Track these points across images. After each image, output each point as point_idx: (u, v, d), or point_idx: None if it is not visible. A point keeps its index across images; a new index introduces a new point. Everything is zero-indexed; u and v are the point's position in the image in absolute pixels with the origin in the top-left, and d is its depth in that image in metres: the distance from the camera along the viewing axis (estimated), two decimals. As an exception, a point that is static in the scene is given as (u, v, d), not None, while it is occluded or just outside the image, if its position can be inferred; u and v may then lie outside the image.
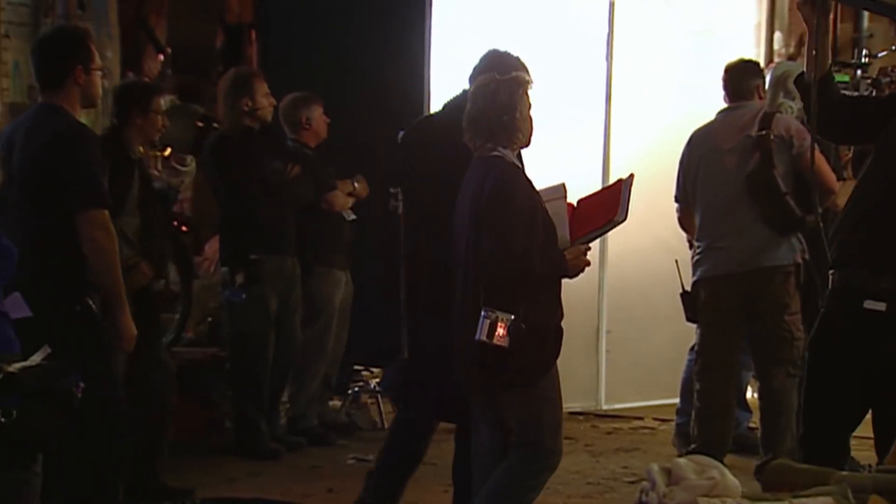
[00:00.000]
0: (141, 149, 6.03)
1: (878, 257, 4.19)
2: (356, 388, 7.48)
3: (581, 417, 7.71)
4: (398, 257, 7.28)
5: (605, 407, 7.89)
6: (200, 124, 7.62)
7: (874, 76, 7.20)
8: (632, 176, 4.61)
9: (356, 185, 7.01)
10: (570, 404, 7.74)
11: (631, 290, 7.87)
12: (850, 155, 6.45)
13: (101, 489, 4.71)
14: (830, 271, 4.40)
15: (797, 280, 5.99)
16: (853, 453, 4.48)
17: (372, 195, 7.10)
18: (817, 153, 5.31)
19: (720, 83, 6.26)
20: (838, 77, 7.02)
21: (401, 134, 6.89)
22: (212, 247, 7.76)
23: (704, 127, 6.28)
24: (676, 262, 6.19)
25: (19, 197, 4.61)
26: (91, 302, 4.57)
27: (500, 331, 4.17)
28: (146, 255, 5.47)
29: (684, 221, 6.36)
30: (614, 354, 7.89)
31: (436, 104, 7.05)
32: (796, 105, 6.23)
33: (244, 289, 6.47)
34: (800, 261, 5.98)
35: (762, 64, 7.06)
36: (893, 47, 7.46)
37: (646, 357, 7.87)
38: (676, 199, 6.36)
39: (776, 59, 8.09)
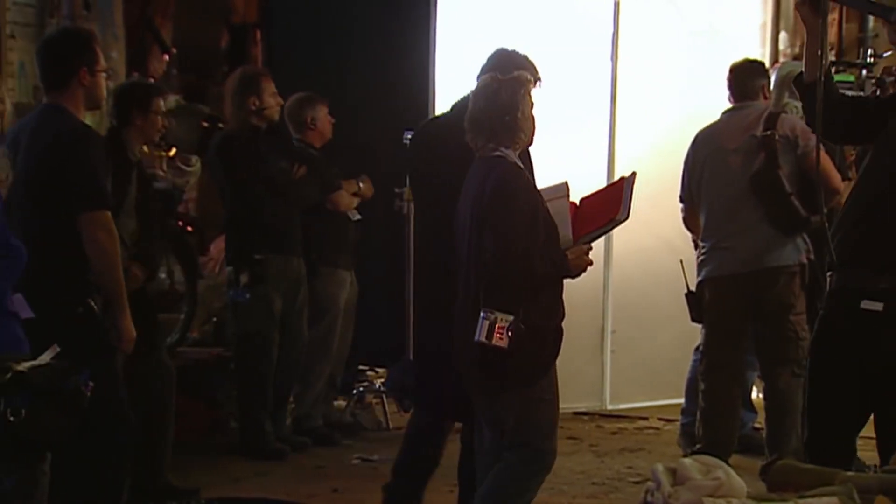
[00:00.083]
0: (146, 149, 6.04)
1: (876, 258, 4.18)
2: (361, 389, 7.49)
3: (586, 417, 7.71)
4: (403, 257, 7.30)
5: (609, 407, 7.88)
6: (205, 124, 7.64)
7: (879, 76, 7.20)
8: (634, 174, 4.60)
9: (361, 185, 7.01)
10: (574, 404, 7.77)
11: (636, 290, 7.86)
12: (855, 155, 6.44)
13: (105, 489, 4.72)
14: (828, 272, 4.40)
15: (802, 280, 5.98)
16: (858, 454, 4.48)
17: (377, 195, 7.11)
18: (822, 153, 5.31)
19: (725, 83, 6.25)
20: (843, 77, 7.03)
21: (406, 134, 6.93)
22: (217, 247, 7.78)
23: (709, 127, 6.28)
24: (681, 262, 6.19)
25: (22, 197, 4.61)
26: (93, 303, 4.58)
27: (500, 332, 4.16)
28: (140, 257, 5.46)
29: (689, 221, 6.36)
30: (619, 354, 7.88)
31: (441, 104, 7.07)
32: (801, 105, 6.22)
33: (249, 288, 6.48)
34: (805, 261, 5.98)
35: (767, 64, 7.05)
36: (885, 54, 7.43)
37: (651, 357, 7.87)
38: (681, 199, 6.35)
39: (781, 59, 8.08)
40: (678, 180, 6.34)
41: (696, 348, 6.43)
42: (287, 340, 6.67)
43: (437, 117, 5.45)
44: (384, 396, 7.41)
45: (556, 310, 4.39)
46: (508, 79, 4.37)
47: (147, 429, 5.37)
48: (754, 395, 7.00)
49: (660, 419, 7.60)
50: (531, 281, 4.26)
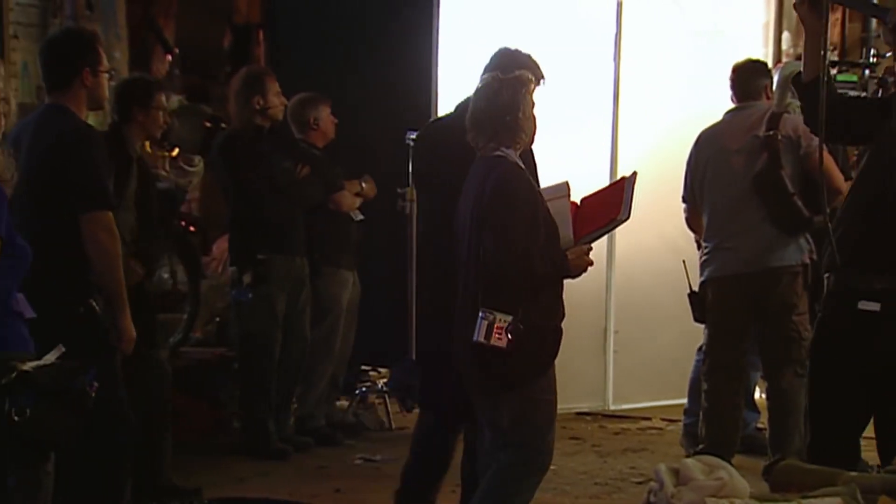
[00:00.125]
0: (149, 150, 6.04)
1: (873, 258, 4.18)
2: (363, 389, 7.49)
3: (588, 418, 7.70)
4: (405, 258, 7.30)
5: (612, 407, 7.88)
6: (208, 125, 7.63)
7: (881, 76, 7.20)
8: (635, 174, 4.60)
9: (364, 185, 7.01)
10: (577, 404, 7.78)
11: (638, 290, 7.86)
12: (857, 155, 6.43)
13: (105, 489, 4.72)
14: (825, 274, 4.40)
15: (805, 280, 5.98)
16: (862, 454, 4.47)
17: (379, 195, 7.11)
18: (825, 153, 5.31)
19: (728, 83, 6.25)
20: (846, 77, 7.04)
21: (409, 135, 6.94)
22: (219, 247, 7.78)
23: (712, 127, 6.27)
24: (684, 262, 6.19)
25: (24, 197, 4.61)
26: (94, 303, 4.58)
27: (498, 331, 4.16)
28: (139, 253, 5.47)
29: (692, 221, 6.36)
30: (622, 355, 7.88)
31: (443, 105, 7.07)
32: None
33: (252, 288, 6.48)
34: (808, 261, 5.97)
35: (770, 64, 7.05)
36: (887, 54, 7.43)
37: (653, 357, 7.87)
38: (684, 200, 6.35)
39: (784, 59, 8.07)
40: (681, 180, 6.34)
41: (699, 348, 6.43)
42: (289, 340, 6.67)
43: (441, 118, 5.46)
44: (387, 396, 7.41)
45: (556, 310, 4.39)
46: (510, 78, 4.37)
47: (146, 428, 5.37)
48: (757, 395, 6.99)
49: (663, 419, 7.60)
50: (531, 281, 4.26)
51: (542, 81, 4.66)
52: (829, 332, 4.35)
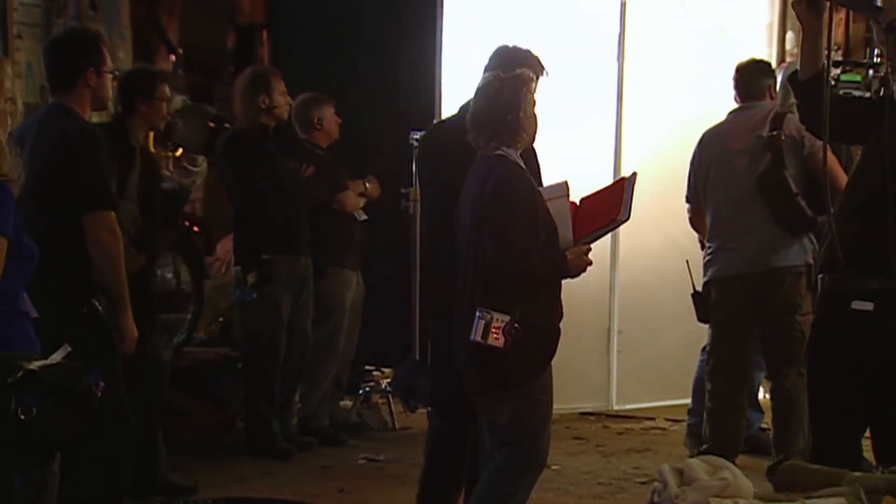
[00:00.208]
0: (152, 149, 6.03)
1: (866, 259, 4.17)
2: (367, 389, 7.48)
3: (592, 418, 7.70)
4: (409, 258, 7.30)
5: (616, 407, 7.88)
6: (212, 125, 7.64)
7: (884, 75, 7.17)
8: (634, 174, 4.59)
9: (367, 185, 7.01)
10: (581, 404, 7.78)
11: (642, 290, 7.86)
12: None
13: (105, 489, 4.72)
14: (820, 274, 4.39)
15: (808, 280, 5.97)
16: (864, 454, 4.47)
17: (383, 195, 7.11)
18: (829, 153, 5.30)
19: (731, 83, 6.25)
20: (850, 77, 7.02)
21: (413, 135, 6.94)
22: (223, 247, 7.78)
23: (715, 127, 6.27)
24: (687, 262, 6.19)
25: (27, 197, 4.61)
26: (97, 303, 4.58)
27: (495, 331, 4.15)
28: (141, 242, 5.47)
29: (695, 222, 6.36)
30: (625, 355, 7.88)
31: (447, 105, 7.07)
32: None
33: (256, 288, 6.48)
34: (811, 261, 5.96)
35: (774, 64, 7.05)
36: (877, 51, 7.40)
37: (657, 357, 7.87)
38: (687, 200, 6.35)
39: (788, 59, 8.06)
40: (684, 180, 6.34)
41: (703, 348, 6.43)
42: (291, 340, 6.67)
43: (444, 121, 5.45)
44: (390, 396, 7.41)
45: (554, 310, 4.37)
46: (510, 77, 4.35)
47: (146, 427, 5.38)
48: (761, 395, 6.98)
49: (666, 419, 7.60)
50: (531, 281, 4.25)
51: (544, 74, 4.65)
52: (824, 332, 4.35)
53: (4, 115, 3.61)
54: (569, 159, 7.21)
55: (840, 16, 7.77)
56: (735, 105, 6.25)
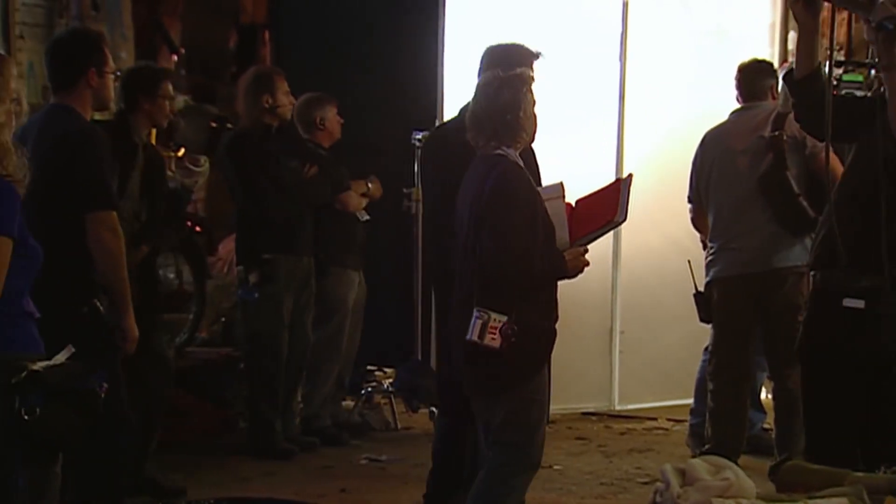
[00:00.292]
0: (155, 148, 6.03)
1: (858, 257, 4.16)
2: (369, 389, 7.49)
3: (594, 418, 7.70)
4: (411, 258, 7.31)
5: (618, 407, 7.88)
6: (214, 125, 7.64)
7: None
8: (630, 176, 4.59)
9: (370, 185, 7.02)
10: (583, 405, 7.78)
11: (644, 290, 7.86)
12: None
13: (105, 490, 4.71)
14: (812, 273, 4.39)
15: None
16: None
17: (385, 195, 7.11)
18: (831, 153, 5.30)
19: (733, 83, 6.25)
20: (853, 77, 7.01)
21: (415, 135, 6.95)
22: (225, 247, 7.79)
23: (717, 127, 6.27)
24: (689, 262, 6.18)
25: (28, 197, 4.61)
26: (98, 303, 4.58)
27: (492, 332, 4.14)
28: (144, 233, 5.47)
29: (697, 222, 6.36)
30: (628, 355, 7.88)
31: (449, 105, 7.08)
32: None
33: (258, 288, 6.48)
34: (813, 261, 5.96)
35: (776, 64, 7.05)
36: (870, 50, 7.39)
37: (659, 357, 7.87)
38: (689, 200, 6.35)
39: (790, 59, 8.06)
40: (686, 180, 6.34)
41: (705, 349, 6.43)
42: (292, 339, 6.67)
43: (446, 123, 5.46)
44: (392, 396, 7.41)
45: (551, 311, 4.37)
46: (510, 76, 4.34)
47: (146, 427, 5.37)
48: (763, 395, 6.99)
49: (668, 419, 7.60)
50: (529, 281, 4.24)
51: (538, 58, 4.65)
52: (815, 330, 4.35)
53: (10, 115, 3.61)
54: (570, 159, 7.22)
55: (842, 16, 7.76)
56: (737, 105, 6.25)
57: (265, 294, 6.49)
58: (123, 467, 4.81)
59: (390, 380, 7.49)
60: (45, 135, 4.64)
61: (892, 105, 4.04)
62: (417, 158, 6.83)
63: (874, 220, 4.07)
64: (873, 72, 7.29)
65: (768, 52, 7.92)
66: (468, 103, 4.51)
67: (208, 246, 7.74)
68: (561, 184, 4.50)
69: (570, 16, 7.62)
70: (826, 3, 4.08)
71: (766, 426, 6.68)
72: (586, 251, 4.41)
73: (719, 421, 6.07)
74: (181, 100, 7.99)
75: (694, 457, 4.85)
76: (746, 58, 6.41)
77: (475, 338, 4.16)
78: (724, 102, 6.49)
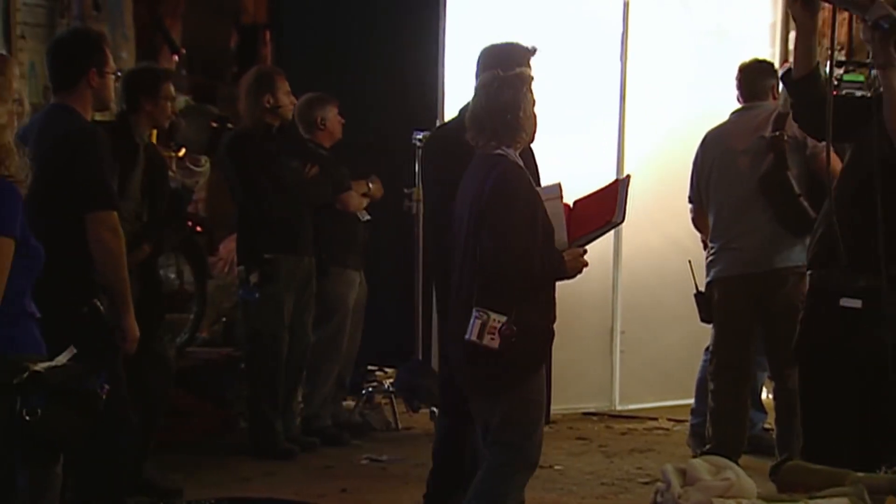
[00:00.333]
0: (156, 148, 6.03)
1: (855, 257, 4.16)
2: (370, 389, 7.49)
3: (595, 418, 7.70)
4: (412, 258, 7.30)
5: (619, 407, 7.88)
6: (215, 125, 7.64)
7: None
8: (628, 177, 4.58)
9: (371, 185, 7.02)
10: (583, 405, 7.78)
11: (645, 290, 7.86)
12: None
13: (106, 490, 4.71)
14: (808, 271, 4.39)
15: (811, 281, 5.97)
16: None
17: (386, 196, 7.12)
18: (832, 154, 5.29)
19: (734, 83, 6.25)
20: (853, 77, 7.01)
21: (416, 135, 6.95)
22: (226, 247, 7.79)
23: (718, 127, 6.27)
24: (690, 262, 6.18)
25: (28, 197, 4.61)
26: (98, 303, 4.58)
27: (491, 332, 4.14)
28: (146, 233, 5.47)
29: (698, 222, 6.36)
30: (628, 355, 7.88)
31: (450, 105, 7.08)
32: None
33: (258, 288, 6.48)
34: (814, 262, 5.96)
35: (777, 64, 7.04)
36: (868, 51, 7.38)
37: (660, 357, 7.87)
38: (690, 200, 6.35)
39: (791, 59, 8.06)
40: (687, 180, 6.34)
41: (706, 349, 6.43)
42: (292, 339, 6.67)
43: (447, 123, 5.46)
44: (393, 396, 7.41)
45: (549, 311, 4.37)
46: (510, 76, 4.33)
47: (146, 428, 5.37)
48: (764, 395, 6.99)
49: (669, 420, 7.60)
50: (529, 281, 4.24)
51: (534, 53, 4.65)
52: (812, 329, 4.35)
53: (12, 115, 3.61)
54: (571, 159, 7.23)
55: (843, 16, 7.77)
56: (738, 105, 6.25)
57: (266, 294, 6.49)
58: (124, 467, 4.81)
59: (391, 380, 7.50)
60: (45, 135, 4.64)
61: (888, 104, 4.04)
62: (418, 158, 6.83)
63: (871, 219, 4.07)
64: (874, 71, 7.30)
65: (769, 52, 7.92)
66: (468, 103, 4.51)
67: (209, 246, 7.74)
68: (559, 184, 4.49)
69: (570, 16, 7.63)
70: (826, 4, 4.08)
71: (766, 426, 6.68)
72: (585, 252, 4.41)
73: (720, 421, 6.07)
74: (182, 100, 7.99)
75: (695, 457, 4.85)
76: (747, 58, 6.40)
77: (474, 338, 4.16)
78: (724, 102, 6.50)
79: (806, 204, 5.91)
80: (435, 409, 6.82)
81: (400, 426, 7.31)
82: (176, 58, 8.92)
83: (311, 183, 6.64)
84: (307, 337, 6.75)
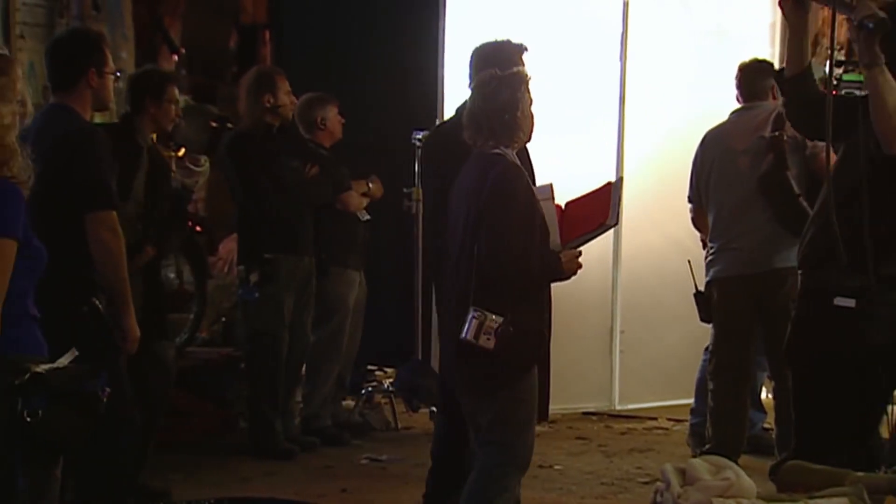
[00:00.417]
0: (159, 150, 6.04)
1: (847, 256, 4.16)
2: (370, 388, 7.49)
3: (595, 418, 7.70)
4: (412, 257, 7.31)
5: (618, 407, 7.88)
6: (214, 125, 7.65)
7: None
8: (620, 179, 4.59)
9: (371, 185, 7.02)
10: (583, 404, 7.79)
11: (645, 290, 7.87)
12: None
13: (107, 490, 4.71)
14: (800, 271, 4.39)
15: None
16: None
17: (386, 195, 7.12)
18: (831, 154, 5.29)
19: (734, 83, 6.25)
20: (853, 76, 7.02)
21: (415, 134, 6.94)
22: (226, 247, 7.79)
23: (718, 127, 6.27)
24: (689, 262, 6.19)
25: (28, 197, 4.61)
26: (98, 303, 4.58)
27: (487, 332, 4.13)
28: (149, 236, 5.47)
29: (698, 221, 6.36)
30: (628, 354, 7.88)
31: (449, 105, 7.08)
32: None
33: (258, 287, 6.48)
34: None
35: (777, 64, 7.04)
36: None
37: (659, 357, 7.87)
38: (690, 200, 6.35)
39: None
40: (687, 180, 6.34)
41: (706, 348, 6.43)
42: (291, 339, 6.67)
43: (445, 122, 5.46)
44: (393, 396, 7.41)
45: (543, 312, 4.37)
46: (508, 75, 4.33)
47: (146, 428, 5.36)
48: (764, 395, 6.99)
49: (669, 419, 7.60)
50: (527, 282, 4.24)
51: (525, 52, 4.65)
52: (806, 329, 4.34)
53: (15, 116, 3.61)
54: (571, 159, 7.23)
55: (843, 16, 7.78)
56: (737, 105, 6.25)
57: (266, 294, 6.50)
58: (124, 468, 4.81)
59: (391, 380, 7.50)
60: (44, 135, 4.63)
61: (873, 103, 4.04)
62: (418, 158, 6.83)
63: (860, 219, 4.07)
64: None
65: (768, 52, 7.92)
66: (465, 102, 4.50)
67: (209, 246, 7.75)
68: (551, 185, 4.48)
69: (570, 16, 7.63)
70: (823, 4, 4.09)
71: (766, 426, 6.68)
72: (581, 253, 4.41)
73: (720, 421, 6.07)
74: (182, 100, 7.99)
75: (694, 456, 4.86)
76: (746, 58, 6.40)
77: (470, 337, 4.15)
78: (724, 102, 6.49)
79: (805, 204, 5.90)
80: (434, 409, 6.82)
81: (400, 426, 7.31)
82: (175, 57, 8.93)
83: (311, 183, 6.64)
84: (307, 337, 6.75)
